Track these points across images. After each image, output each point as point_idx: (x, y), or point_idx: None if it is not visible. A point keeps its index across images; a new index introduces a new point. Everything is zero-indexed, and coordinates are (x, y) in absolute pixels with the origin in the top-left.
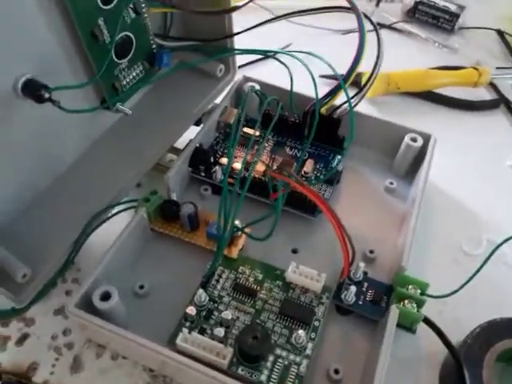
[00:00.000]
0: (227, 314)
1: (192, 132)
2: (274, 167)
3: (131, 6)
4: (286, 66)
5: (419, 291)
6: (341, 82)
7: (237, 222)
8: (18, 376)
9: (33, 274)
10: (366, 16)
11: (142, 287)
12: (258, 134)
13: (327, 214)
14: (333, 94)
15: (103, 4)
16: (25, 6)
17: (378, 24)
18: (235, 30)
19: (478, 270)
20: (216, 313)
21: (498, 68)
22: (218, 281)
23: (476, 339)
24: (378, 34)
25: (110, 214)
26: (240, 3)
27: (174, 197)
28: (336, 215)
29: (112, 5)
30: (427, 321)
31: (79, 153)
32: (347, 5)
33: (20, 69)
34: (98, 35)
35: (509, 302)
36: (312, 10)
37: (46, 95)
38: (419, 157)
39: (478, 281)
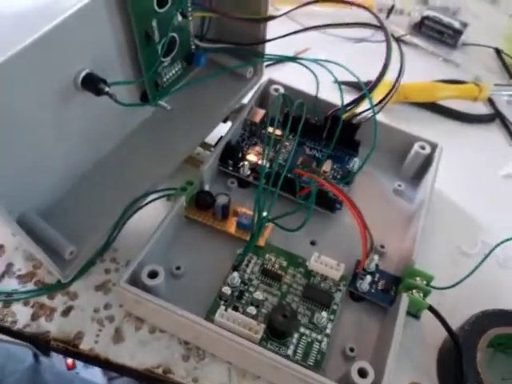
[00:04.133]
0: (258, 295)
1: (218, 128)
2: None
3: (180, 10)
4: (313, 72)
5: (425, 282)
6: (366, 92)
7: (264, 214)
8: (65, 343)
9: (77, 252)
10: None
11: (178, 268)
12: (279, 133)
13: (352, 209)
14: (357, 102)
15: (158, 7)
16: (94, 8)
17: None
18: None
19: (475, 268)
20: (247, 294)
21: (495, 85)
22: (247, 265)
23: (472, 326)
24: (401, 51)
25: (145, 202)
26: (277, 13)
27: (207, 188)
28: (359, 211)
29: (165, 8)
30: (431, 308)
31: (118, 142)
32: (375, 22)
33: (81, 63)
34: (150, 35)
35: (499, 295)
36: (342, 24)
37: (106, 89)
38: (426, 163)
39: (474, 277)
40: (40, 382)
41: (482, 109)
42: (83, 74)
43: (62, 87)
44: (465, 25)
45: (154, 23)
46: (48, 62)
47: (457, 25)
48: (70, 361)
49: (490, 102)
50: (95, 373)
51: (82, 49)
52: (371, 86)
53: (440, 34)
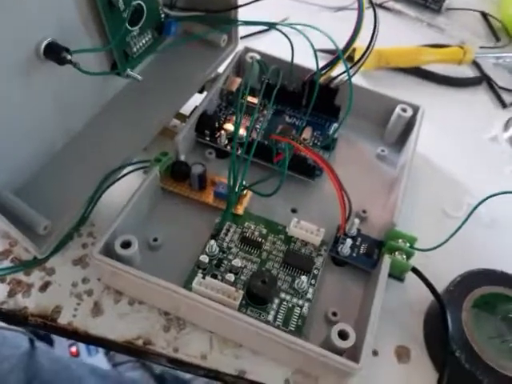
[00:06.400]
0: (237, 262)
1: (195, 99)
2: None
3: None
4: (287, 36)
5: (408, 244)
6: (340, 53)
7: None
8: (43, 318)
9: (52, 227)
10: None
11: (155, 240)
12: (256, 101)
13: (329, 174)
14: (331, 64)
15: None
16: None
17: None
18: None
19: (458, 228)
20: (225, 262)
21: (481, 47)
22: (226, 234)
23: (457, 286)
24: (374, 12)
25: (121, 174)
26: None
27: (183, 158)
28: (337, 176)
29: None
30: (415, 270)
31: (91, 115)
32: None
33: (42, 32)
34: (114, 3)
35: (485, 256)
36: None
37: (68, 57)
38: (408, 127)
39: (458, 238)
40: (35, 367)
41: (468, 72)
42: (45, 42)
43: (25, 57)
44: None
45: None
46: (5, 27)
47: None
48: (73, 349)
49: (476, 65)
50: (99, 359)
51: (42, 16)
52: (344, 48)
53: None
